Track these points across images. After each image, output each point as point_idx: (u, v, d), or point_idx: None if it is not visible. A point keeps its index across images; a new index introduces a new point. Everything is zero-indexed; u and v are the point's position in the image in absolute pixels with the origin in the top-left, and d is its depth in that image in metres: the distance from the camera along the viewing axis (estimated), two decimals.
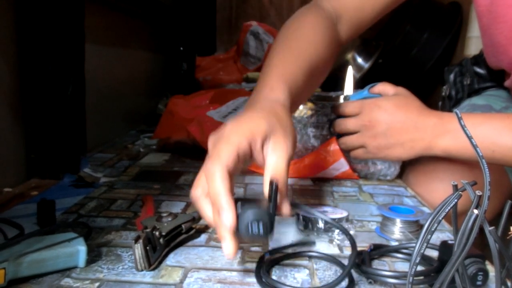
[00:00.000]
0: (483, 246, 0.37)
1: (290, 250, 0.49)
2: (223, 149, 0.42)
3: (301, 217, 0.56)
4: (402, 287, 0.42)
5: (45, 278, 0.42)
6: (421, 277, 0.42)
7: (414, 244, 0.41)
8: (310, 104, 0.82)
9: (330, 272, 0.45)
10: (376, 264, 0.48)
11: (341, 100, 0.76)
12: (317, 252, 0.49)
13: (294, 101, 0.56)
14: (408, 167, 0.83)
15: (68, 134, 0.74)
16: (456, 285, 0.33)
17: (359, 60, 1.64)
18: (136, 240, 0.43)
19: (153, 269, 0.44)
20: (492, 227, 0.31)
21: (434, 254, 0.47)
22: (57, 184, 0.71)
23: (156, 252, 0.45)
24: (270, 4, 2.37)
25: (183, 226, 0.50)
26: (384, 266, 0.47)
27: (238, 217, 0.39)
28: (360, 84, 0.84)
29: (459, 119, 0.34)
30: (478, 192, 0.30)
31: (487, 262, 0.43)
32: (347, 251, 0.49)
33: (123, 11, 1.13)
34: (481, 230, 0.31)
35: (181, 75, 1.65)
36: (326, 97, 0.88)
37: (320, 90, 1.03)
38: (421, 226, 0.50)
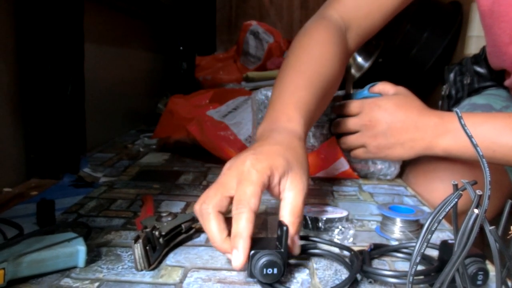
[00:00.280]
0: (484, 246, 0.37)
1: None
2: (249, 191, 0.43)
3: None
4: (402, 287, 0.42)
5: (44, 278, 0.41)
6: (421, 277, 0.42)
7: (414, 244, 0.41)
8: None
9: (330, 272, 0.45)
10: (376, 263, 0.48)
11: (342, 99, 0.76)
12: (321, 249, 0.49)
13: (308, 128, 0.57)
14: (408, 166, 0.82)
15: (67, 134, 0.74)
16: (456, 284, 0.33)
17: (359, 59, 1.64)
18: (136, 240, 0.43)
19: (153, 269, 0.44)
20: (493, 227, 0.31)
21: (434, 253, 0.47)
22: (56, 184, 0.71)
23: (156, 252, 0.45)
24: (270, 4, 2.37)
25: (182, 225, 0.50)
26: (384, 266, 0.47)
27: (251, 258, 0.41)
28: (360, 83, 0.84)
29: (459, 118, 0.34)
30: (479, 192, 0.30)
31: (487, 262, 0.43)
32: (346, 251, 0.49)
33: (122, 10, 1.13)
34: (482, 230, 0.31)
35: (181, 74, 1.65)
36: None
37: None
38: (421, 226, 0.50)
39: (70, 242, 0.43)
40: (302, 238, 0.50)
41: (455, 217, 0.33)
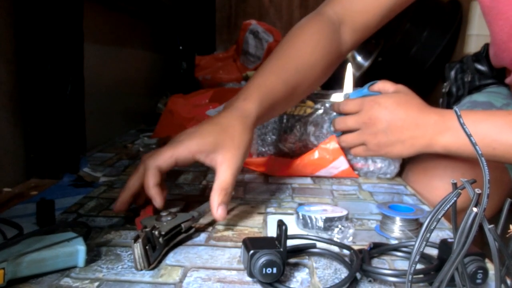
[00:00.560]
0: (483, 244, 0.37)
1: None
2: (167, 155, 0.55)
3: (301, 216, 0.56)
4: (402, 286, 0.42)
5: (44, 278, 0.41)
6: (421, 275, 0.42)
7: (413, 243, 0.41)
8: (309, 102, 0.82)
9: (329, 271, 0.45)
10: (375, 262, 0.48)
11: (341, 98, 0.76)
12: (320, 249, 0.49)
13: (269, 111, 0.62)
14: (408, 165, 0.82)
15: (67, 134, 0.74)
16: (455, 283, 0.33)
17: (359, 58, 1.64)
18: (136, 239, 0.43)
19: (153, 269, 0.44)
20: (492, 225, 0.31)
21: (433, 252, 0.47)
22: (56, 183, 0.71)
23: (156, 252, 0.45)
24: (270, 3, 2.37)
25: (182, 225, 0.50)
26: (383, 265, 0.47)
27: (250, 258, 0.41)
28: (360, 82, 0.84)
29: (458, 117, 0.34)
30: (478, 190, 0.30)
31: (486, 260, 0.43)
32: (346, 250, 0.49)
33: (122, 10, 1.12)
34: (481, 228, 0.31)
35: (180, 74, 1.65)
36: (326, 95, 0.88)
37: (320, 88, 1.03)
38: (421, 224, 0.50)
39: (70, 241, 0.43)
40: (301, 237, 0.51)
41: (454, 215, 0.33)
